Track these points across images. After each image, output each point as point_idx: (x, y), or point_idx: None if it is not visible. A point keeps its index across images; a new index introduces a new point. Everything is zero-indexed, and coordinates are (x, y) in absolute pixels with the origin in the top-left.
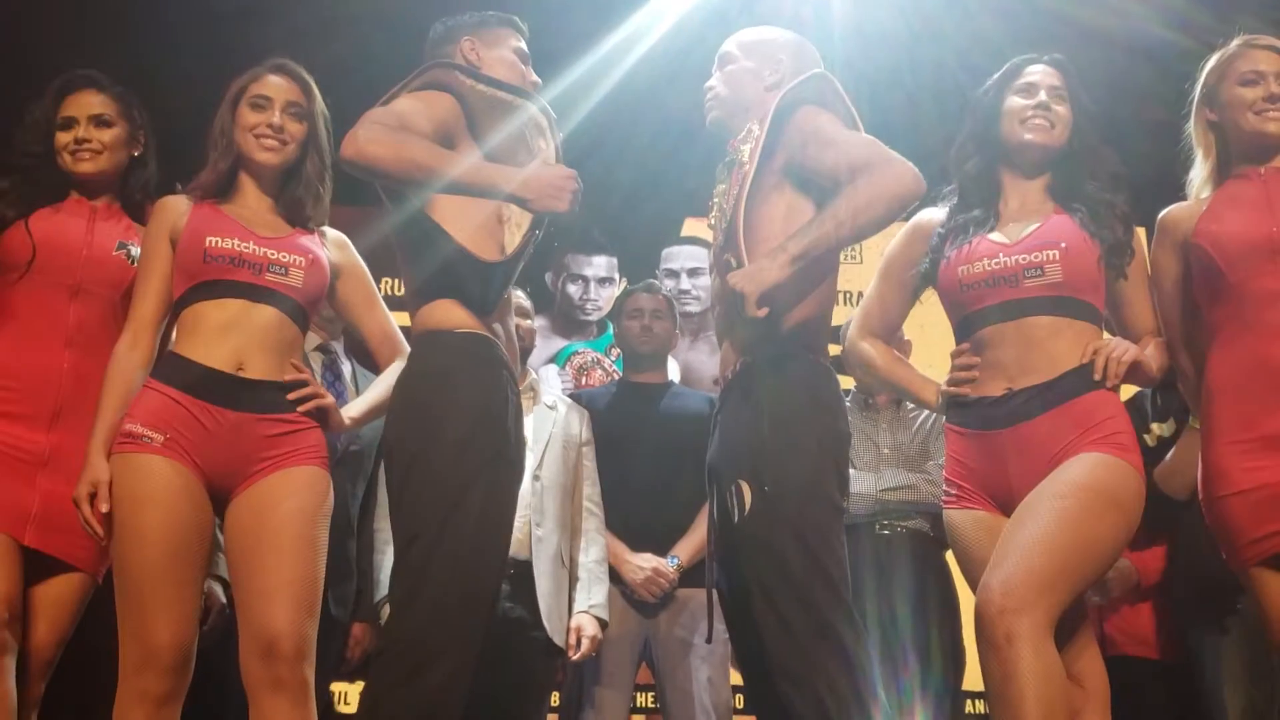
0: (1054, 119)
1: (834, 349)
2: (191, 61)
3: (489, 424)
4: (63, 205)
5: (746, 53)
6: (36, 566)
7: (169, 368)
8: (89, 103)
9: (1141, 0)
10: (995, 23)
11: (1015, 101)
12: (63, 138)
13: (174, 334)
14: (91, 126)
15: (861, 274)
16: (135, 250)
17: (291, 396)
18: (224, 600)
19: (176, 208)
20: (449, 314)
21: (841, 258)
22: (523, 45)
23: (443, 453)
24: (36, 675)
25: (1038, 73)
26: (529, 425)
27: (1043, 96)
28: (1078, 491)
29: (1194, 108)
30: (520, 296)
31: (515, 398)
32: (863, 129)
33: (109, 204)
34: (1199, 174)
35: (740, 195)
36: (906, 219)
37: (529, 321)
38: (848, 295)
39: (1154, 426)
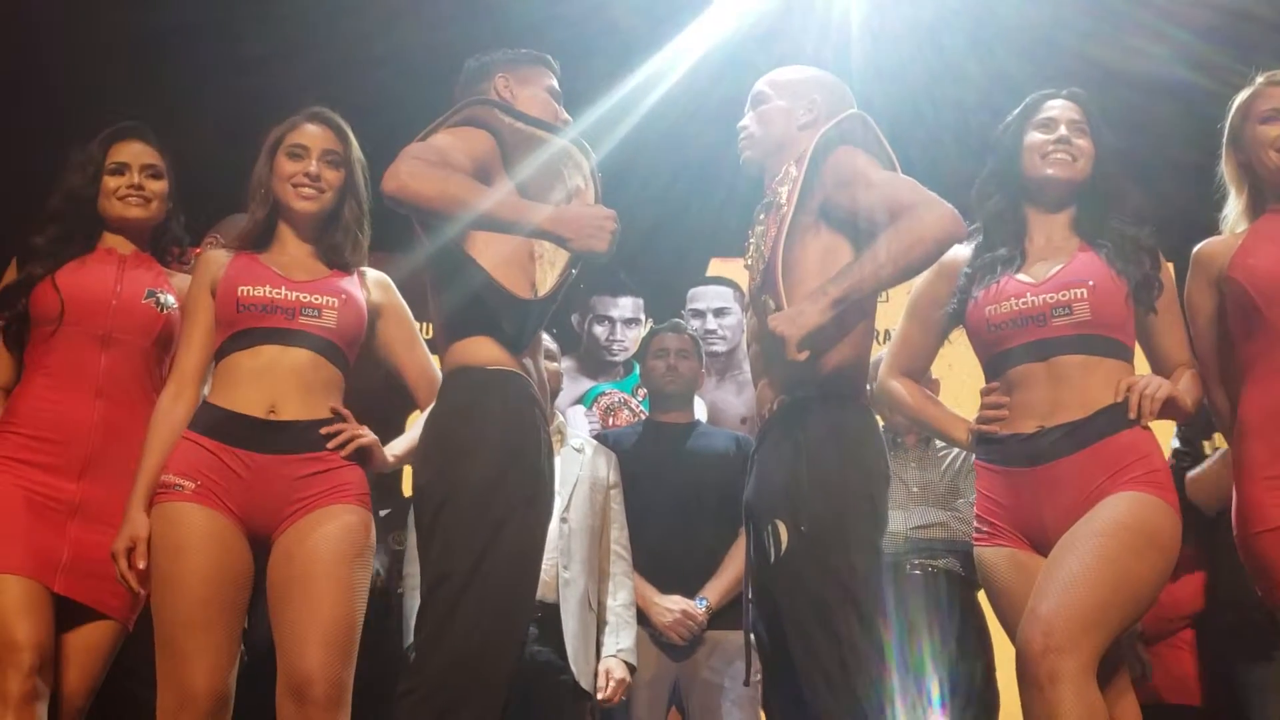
0: (1075, 152)
1: None
2: (217, 104)
3: (522, 463)
4: (90, 257)
5: (779, 92)
6: (67, 614)
7: (200, 416)
8: (141, 151)
9: (1162, 41)
10: (1016, 62)
11: (1036, 137)
12: (112, 182)
13: (209, 385)
14: (144, 175)
15: (888, 312)
16: (164, 298)
17: (325, 434)
18: (241, 646)
19: (217, 260)
20: (481, 350)
21: None
22: (555, 83)
23: (474, 492)
24: None
25: (1057, 107)
26: (556, 467)
27: (1063, 131)
28: (1118, 530)
29: (1224, 147)
30: (546, 340)
31: (547, 436)
32: (900, 169)
33: (138, 254)
34: (1233, 210)
35: (779, 237)
36: None
37: (555, 364)
38: (875, 334)
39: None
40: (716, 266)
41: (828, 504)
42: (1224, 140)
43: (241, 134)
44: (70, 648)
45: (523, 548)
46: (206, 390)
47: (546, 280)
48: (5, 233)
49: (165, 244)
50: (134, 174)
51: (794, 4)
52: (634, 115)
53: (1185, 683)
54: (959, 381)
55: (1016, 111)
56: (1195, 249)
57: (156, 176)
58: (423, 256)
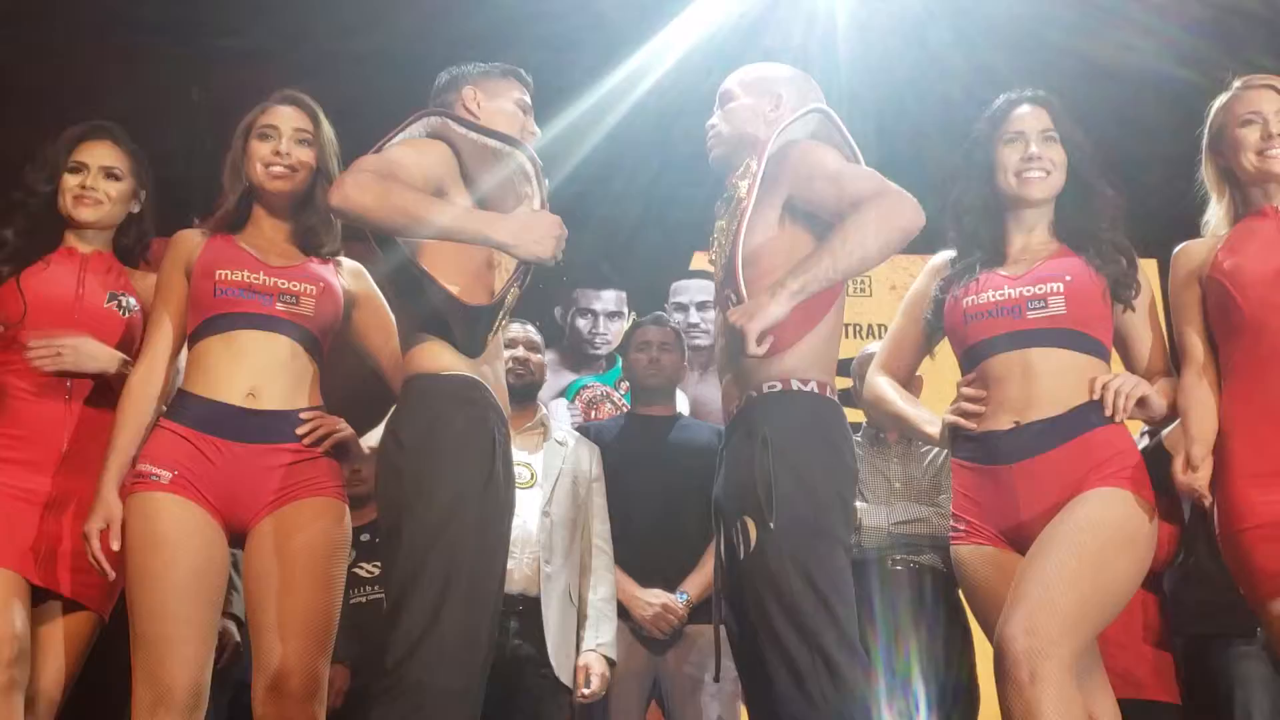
0: (1048, 165)
1: (843, 382)
2: (200, 95)
3: (477, 469)
4: (53, 257)
5: (746, 90)
6: (43, 606)
7: (177, 405)
8: (102, 153)
9: (1148, 35)
10: (1001, 56)
11: (1007, 154)
12: (69, 180)
13: (184, 372)
14: (100, 176)
15: (870, 306)
16: (126, 301)
17: (301, 432)
18: (238, 639)
19: (191, 241)
20: (437, 357)
21: (850, 290)
22: (525, 97)
23: (434, 499)
24: (45, 715)
25: (1025, 116)
26: (539, 461)
27: (1033, 147)
28: (1094, 527)
29: (1204, 152)
30: (531, 331)
31: (504, 440)
32: (863, 162)
33: (99, 253)
34: (1214, 214)
35: (738, 231)
36: (922, 253)
37: (539, 355)
38: (857, 328)
39: None
40: (700, 260)
41: (795, 499)
42: (1203, 145)
43: (217, 130)
44: (46, 639)
45: (486, 549)
46: (179, 378)
47: (499, 286)
48: None
49: (128, 246)
50: (91, 175)
51: None
52: (620, 109)
53: (1156, 676)
54: (943, 379)
55: (983, 120)
56: (1176, 250)
57: (114, 179)
58: (377, 268)
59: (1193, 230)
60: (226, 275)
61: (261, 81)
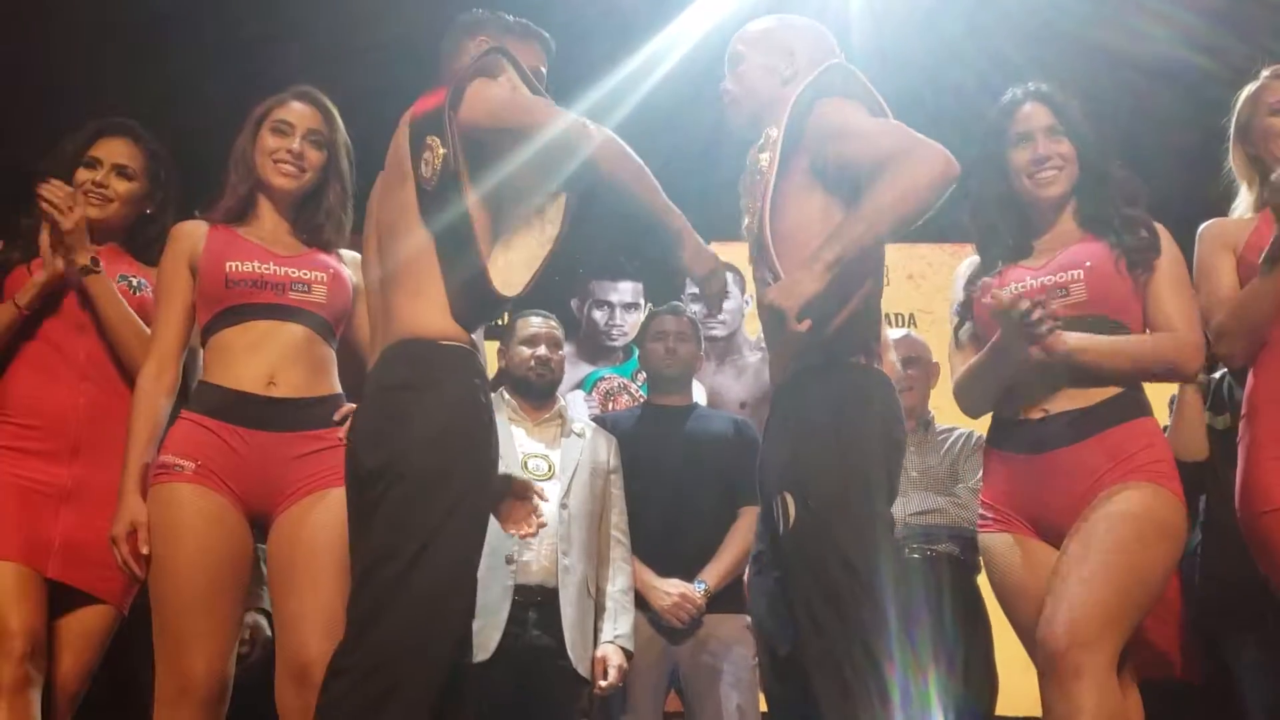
0: (1059, 162)
1: None
2: (212, 85)
3: (475, 446)
4: None
5: (754, 48)
6: (61, 599)
7: (199, 395)
8: (118, 150)
9: (1162, 23)
10: (1015, 46)
11: (1016, 157)
12: (81, 175)
13: (202, 363)
14: (112, 174)
15: (887, 295)
16: (136, 280)
17: (335, 415)
18: (269, 634)
19: (194, 233)
20: (436, 320)
21: None
22: (542, 68)
23: (427, 473)
24: (63, 709)
25: (1029, 115)
26: (557, 453)
27: (1040, 147)
28: (1128, 521)
29: (1231, 140)
30: (554, 326)
31: (491, 414)
32: (890, 114)
33: (112, 248)
34: (1243, 202)
35: (764, 209)
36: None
37: (560, 353)
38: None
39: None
40: (716, 250)
41: (836, 476)
42: (1231, 133)
43: (232, 115)
44: (64, 633)
45: (470, 531)
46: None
47: (523, 280)
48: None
49: (142, 244)
50: (102, 171)
51: None
52: (633, 97)
53: (1169, 656)
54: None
55: (991, 119)
56: (1204, 225)
57: (126, 177)
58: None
59: (1208, 215)
60: (237, 267)
61: (277, 71)
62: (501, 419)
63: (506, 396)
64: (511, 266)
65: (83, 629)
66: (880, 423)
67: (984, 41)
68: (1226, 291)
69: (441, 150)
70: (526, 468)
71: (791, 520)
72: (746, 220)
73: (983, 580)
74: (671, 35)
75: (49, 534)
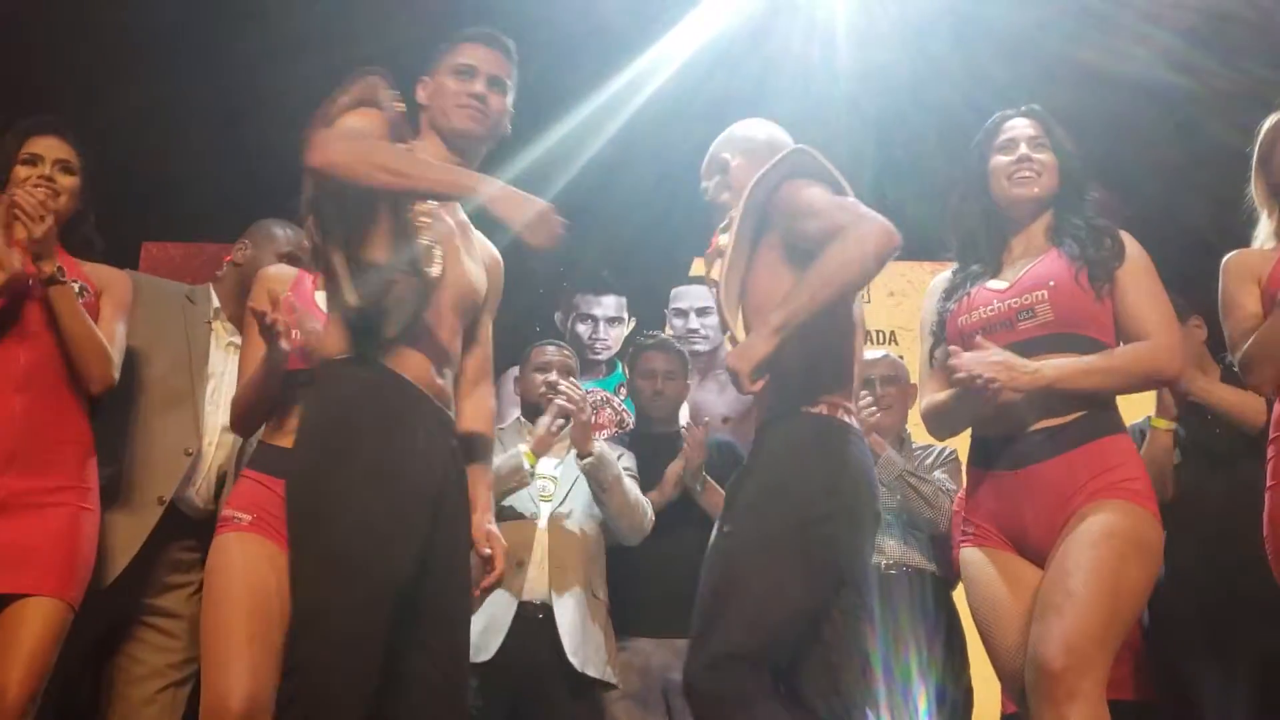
0: (1038, 168)
1: None
2: (210, 102)
3: (350, 446)
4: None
5: (734, 152)
6: (4, 607)
7: (257, 455)
8: (56, 146)
9: (1144, 43)
10: (999, 64)
11: (999, 160)
12: (23, 172)
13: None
14: (56, 169)
15: (868, 312)
16: (79, 286)
17: None
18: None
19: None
20: (332, 340)
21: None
22: (466, 60)
23: (303, 473)
24: (13, 713)
25: (1016, 127)
26: (561, 470)
27: (1023, 149)
28: (1108, 539)
29: (1253, 170)
30: (567, 355)
31: (403, 422)
32: (849, 189)
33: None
34: (1264, 230)
35: (721, 284)
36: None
37: (571, 379)
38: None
39: None
40: (700, 265)
41: (775, 517)
42: (1253, 163)
43: (233, 129)
44: (10, 637)
45: (356, 533)
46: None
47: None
48: None
49: (77, 240)
50: (45, 166)
51: (781, 5)
52: (621, 115)
53: (1123, 681)
54: None
55: (979, 136)
56: (1228, 257)
57: (68, 172)
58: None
59: (1191, 235)
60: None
61: (266, 89)
62: (523, 445)
63: (524, 422)
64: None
65: (26, 629)
66: (839, 465)
67: (968, 60)
68: (1252, 321)
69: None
70: (538, 490)
71: (722, 550)
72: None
73: (958, 596)
74: (659, 55)
75: None
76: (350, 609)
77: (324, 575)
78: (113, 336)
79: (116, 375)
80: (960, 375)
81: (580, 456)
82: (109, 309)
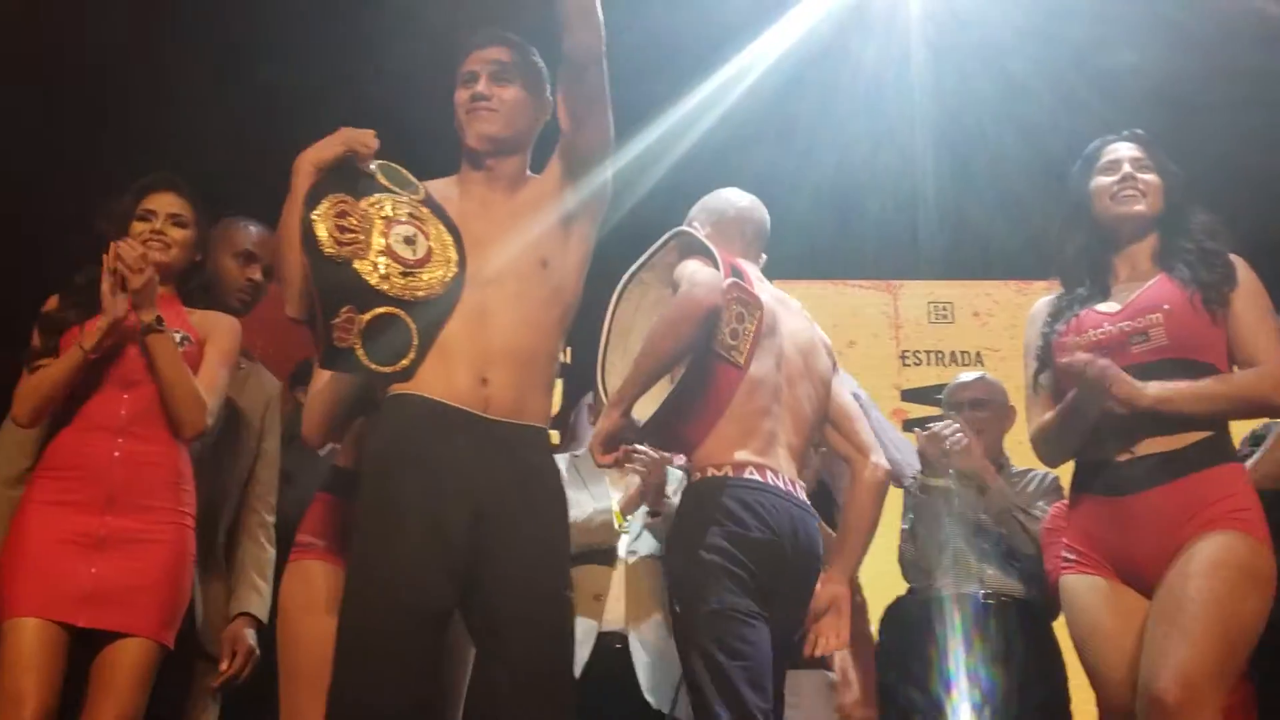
0: (1143, 188)
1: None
2: (232, 116)
3: (375, 481)
4: None
5: (703, 220)
6: (95, 645)
7: (330, 479)
8: (169, 201)
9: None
10: (1085, 87)
11: (1101, 181)
12: (139, 227)
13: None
14: (170, 223)
15: (952, 333)
16: (178, 335)
17: None
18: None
19: None
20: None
21: (933, 317)
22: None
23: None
24: None
25: (1118, 150)
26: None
27: (1127, 169)
28: (1221, 571)
29: None
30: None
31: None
32: (719, 260)
33: (166, 294)
34: None
35: (599, 361)
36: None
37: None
38: (939, 355)
39: None
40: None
41: (672, 581)
42: None
43: (250, 143)
44: (103, 679)
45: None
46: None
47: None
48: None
49: (190, 287)
50: (159, 220)
51: (851, 25)
52: (690, 137)
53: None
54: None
55: (1080, 160)
56: None
57: (181, 225)
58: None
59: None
60: None
61: (304, 116)
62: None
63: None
64: None
65: (121, 670)
66: (711, 525)
67: (1054, 82)
68: None
69: None
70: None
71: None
72: None
73: (1060, 625)
74: (729, 75)
75: (79, 583)
76: (376, 634)
77: (350, 604)
78: (212, 382)
79: (210, 421)
80: (1066, 360)
81: (651, 515)
82: (212, 355)
